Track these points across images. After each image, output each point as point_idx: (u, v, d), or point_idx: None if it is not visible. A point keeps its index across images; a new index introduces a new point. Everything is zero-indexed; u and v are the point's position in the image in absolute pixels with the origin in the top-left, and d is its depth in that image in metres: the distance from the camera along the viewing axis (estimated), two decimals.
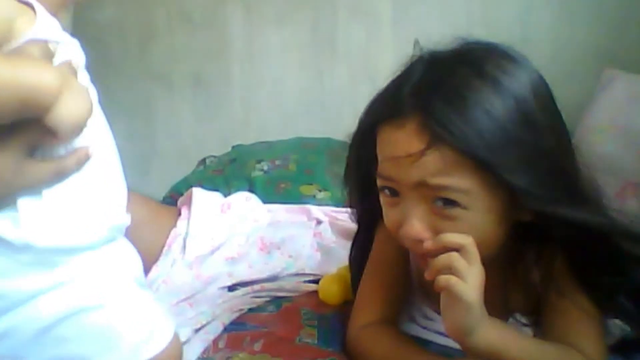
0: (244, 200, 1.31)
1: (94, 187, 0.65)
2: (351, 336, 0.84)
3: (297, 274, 1.14)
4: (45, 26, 0.60)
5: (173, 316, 0.98)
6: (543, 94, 0.71)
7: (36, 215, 0.60)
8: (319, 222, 1.28)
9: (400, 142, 0.68)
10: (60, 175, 0.61)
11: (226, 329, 0.95)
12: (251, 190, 1.38)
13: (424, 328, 0.86)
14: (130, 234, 0.77)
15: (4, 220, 0.59)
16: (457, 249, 0.65)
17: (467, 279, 0.64)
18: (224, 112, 2.04)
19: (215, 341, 0.92)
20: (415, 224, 0.69)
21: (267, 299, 1.05)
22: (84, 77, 0.65)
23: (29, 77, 0.54)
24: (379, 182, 0.73)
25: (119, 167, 0.70)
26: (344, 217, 1.20)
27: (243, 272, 1.14)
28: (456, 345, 0.70)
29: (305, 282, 1.11)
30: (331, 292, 1.00)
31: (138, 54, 2.01)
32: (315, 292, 1.03)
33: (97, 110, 0.66)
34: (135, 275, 0.71)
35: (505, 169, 0.65)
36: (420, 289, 0.87)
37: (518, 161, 0.66)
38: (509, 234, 0.72)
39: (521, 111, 0.67)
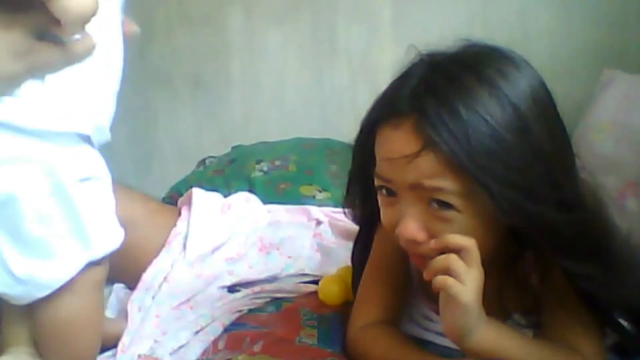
0: (244, 201, 1.31)
1: (90, 82, 0.70)
2: (351, 336, 0.85)
3: (297, 275, 1.14)
4: None
5: (174, 320, 0.99)
6: (542, 100, 0.69)
7: (35, 98, 0.65)
8: (318, 222, 1.28)
9: (396, 142, 0.68)
10: (67, 61, 0.61)
11: (226, 330, 0.95)
12: (251, 191, 1.38)
13: (424, 329, 0.86)
14: (130, 231, 0.78)
15: None
16: (458, 250, 0.65)
17: (465, 280, 0.64)
18: (223, 112, 2.04)
19: (214, 342, 0.92)
20: (410, 224, 0.69)
21: (267, 299, 1.05)
22: None
23: None
24: (377, 182, 0.73)
25: (117, 75, 0.74)
26: (344, 217, 1.20)
27: (243, 272, 1.14)
28: (456, 346, 0.70)
29: (305, 282, 1.11)
30: (331, 292, 1.00)
31: (138, 54, 2.01)
32: (315, 292, 1.03)
33: (113, 12, 0.70)
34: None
35: (487, 177, 0.64)
36: (420, 289, 0.87)
37: (507, 169, 0.65)
38: (506, 238, 0.72)
39: (518, 118, 0.66)
